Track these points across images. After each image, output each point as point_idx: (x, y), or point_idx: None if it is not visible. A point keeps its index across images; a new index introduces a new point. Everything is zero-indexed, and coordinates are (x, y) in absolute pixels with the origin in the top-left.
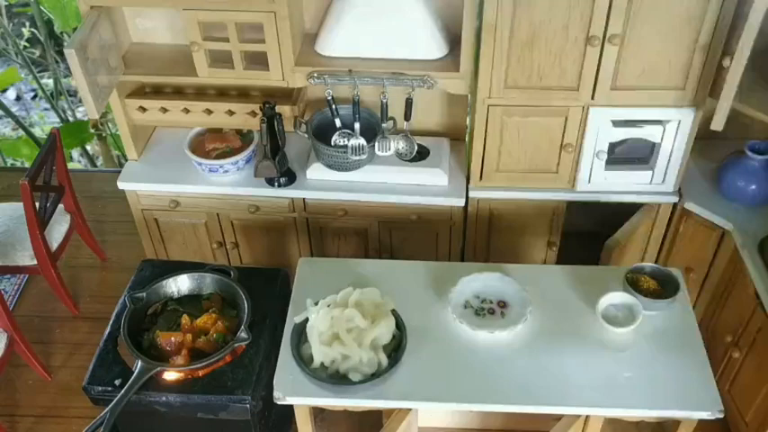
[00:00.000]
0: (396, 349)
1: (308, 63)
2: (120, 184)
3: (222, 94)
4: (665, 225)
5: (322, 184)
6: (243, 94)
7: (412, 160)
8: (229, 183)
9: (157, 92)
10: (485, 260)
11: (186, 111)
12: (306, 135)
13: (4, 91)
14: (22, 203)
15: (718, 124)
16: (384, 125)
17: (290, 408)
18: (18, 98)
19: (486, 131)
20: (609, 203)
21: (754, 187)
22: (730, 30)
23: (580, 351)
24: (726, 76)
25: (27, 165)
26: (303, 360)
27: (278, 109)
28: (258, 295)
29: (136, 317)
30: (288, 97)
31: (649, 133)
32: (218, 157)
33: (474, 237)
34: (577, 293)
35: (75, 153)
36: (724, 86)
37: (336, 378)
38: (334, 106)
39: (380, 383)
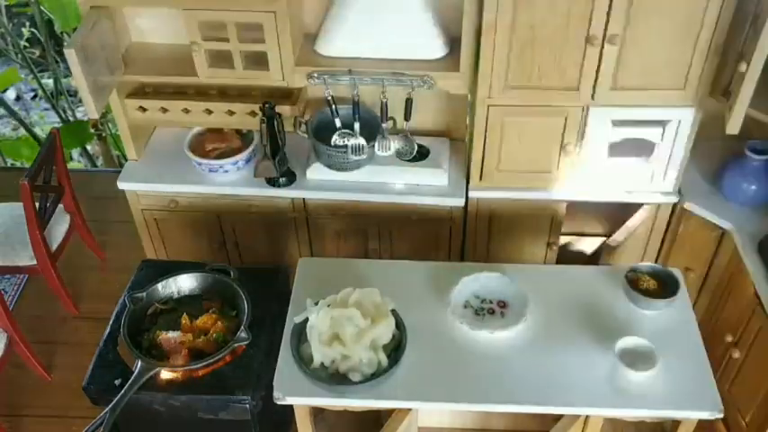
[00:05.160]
0: (396, 349)
1: (308, 63)
2: (120, 184)
3: (222, 94)
4: (665, 225)
5: (322, 184)
6: (243, 94)
7: (412, 160)
8: (229, 183)
9: (157, 92)
10: (485, 260)
11: (186, 111)
12: (306, 135)
13: (5, 91)
14: (22, 203)
15: (733, 128)
16: (384, 125)
17: (290, 408)
18: (18, 98)
19: (486, 131)
20: (609, 203)
21: (754, 187)
22: (743, 32)
23: (580, 351)
24: (743, 81)
25: (27, 165)
26: (303, 360)
27: (278, 109)
28: (258, 295)
29: (136, 317)
30: (288, 97)
31: (649, 133)
32: (218, 156)
33: (474, 237)
34: (577, 293)
35: (75, 153)
36: (741, 91)
37: (336, 378)
38: (334, 106)
39: (380, 383)
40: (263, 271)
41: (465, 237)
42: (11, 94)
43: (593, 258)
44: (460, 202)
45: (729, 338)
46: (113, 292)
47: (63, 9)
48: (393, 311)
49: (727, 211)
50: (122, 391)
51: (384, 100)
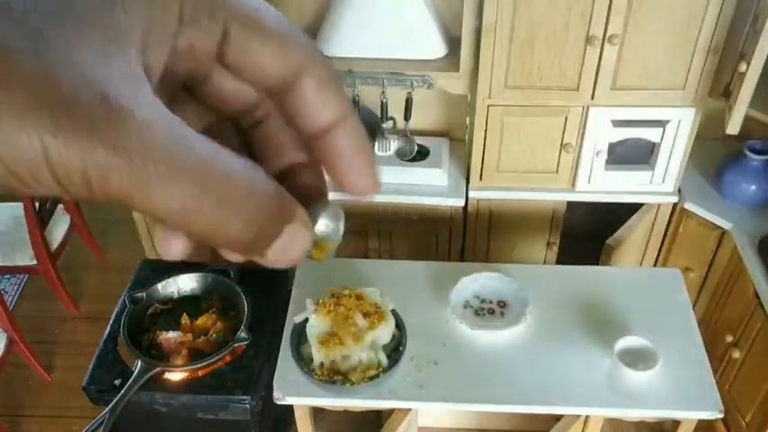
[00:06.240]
0: (396, 349)
1: None
2: None
3: None
4: (665, 225)
5: None
6: None
7: (412, 160)
8: None
9: None
10: (485, 260)
11: None
12: None
13: None
14: (22, 203)
15: (733, 128)
16: (384, 125)
17: (289, 408)
18: None
19: (486, 131)
20: (609, 203)
21: (753, 187)
22: (743, 32)
23: (580, 351)
24: (743, 81)
25: None
26: (303, 360)
27: None
28: (258, 295)
29: (136, 317)
30: None
31: (649, 133)
32: None
33: (474, 237)
34: (577, 294)
35: None
36: (741, 91)
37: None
38: None
39: (380, 383)
40: (262, 271)
41: (465, 237)
42: None
43: (593, 258)
44: (460, 202)
45: (729, 338)
46: (113, 292)
47: None
48: (393, 311)
49: (727, 211)
50: (122, 391)
51: (384, 100)
